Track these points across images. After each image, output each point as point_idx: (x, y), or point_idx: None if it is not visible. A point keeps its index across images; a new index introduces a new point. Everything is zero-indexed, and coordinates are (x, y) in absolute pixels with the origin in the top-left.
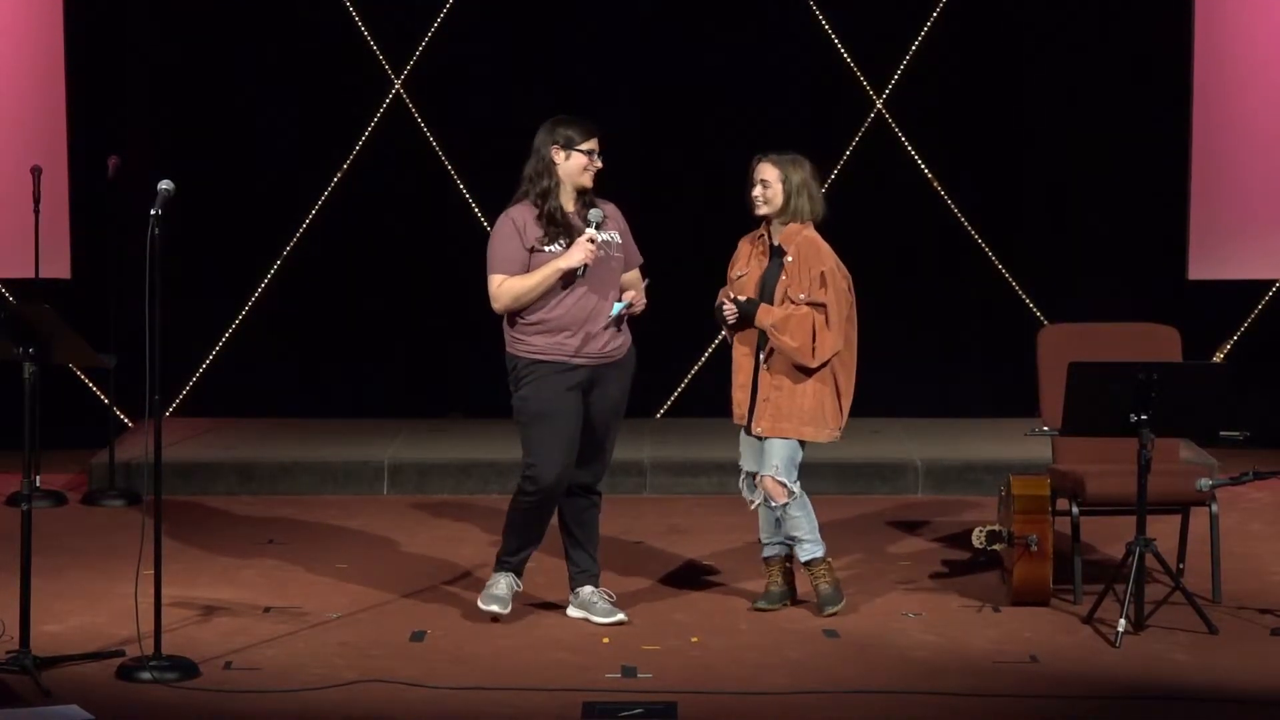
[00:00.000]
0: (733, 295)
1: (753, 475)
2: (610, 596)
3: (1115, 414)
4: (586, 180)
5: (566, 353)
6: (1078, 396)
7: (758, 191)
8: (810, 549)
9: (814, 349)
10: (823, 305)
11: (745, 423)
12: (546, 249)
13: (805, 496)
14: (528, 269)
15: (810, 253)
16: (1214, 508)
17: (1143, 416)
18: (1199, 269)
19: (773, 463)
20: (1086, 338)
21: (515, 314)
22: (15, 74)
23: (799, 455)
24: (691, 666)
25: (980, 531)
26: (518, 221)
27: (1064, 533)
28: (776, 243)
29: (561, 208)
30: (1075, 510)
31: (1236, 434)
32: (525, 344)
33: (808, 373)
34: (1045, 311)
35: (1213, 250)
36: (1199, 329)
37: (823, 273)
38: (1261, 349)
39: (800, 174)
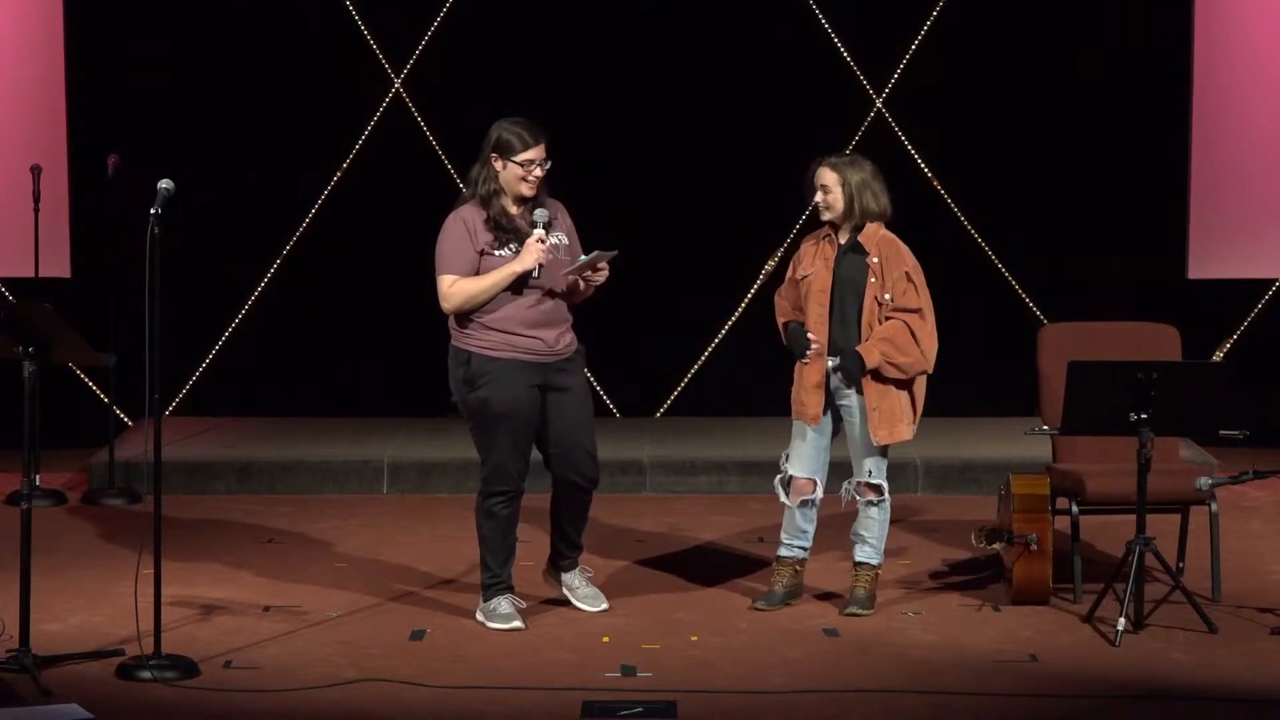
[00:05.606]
0: (812, 337)
1: (785, 480)
2: (588, 572)
3: (1115, 413)
4: (524, 190)
5: (520, 350)
6: (1077, 395)
7: (819, 197)
8: (871, 553)
9: (922, 353)
10: (911, 310)
11: (818, 424)
12: (496, 253)
13: (889, 502)
14: (478, 271)
15: (892, 253)
16: (1213, 507)
17: (1142, 416)
18: (1199, 268)
19: (868, 467)
20: (1086, 337)
21: (465, 313)
22: (15, 74)
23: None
24: (691, 665)
25: (980, 531)
26: (469, 223)
27: (1064, 532)
28: (844, 241)
29: (506, 211)
30: (1075, 509)
31: (1236, 433)
32: (477, 339)
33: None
34: (1045, 311)
35: (1213, 249)
36: (1199, 328)
37: (907, 272)
38: (1261, 349)
39: (860, 174)
